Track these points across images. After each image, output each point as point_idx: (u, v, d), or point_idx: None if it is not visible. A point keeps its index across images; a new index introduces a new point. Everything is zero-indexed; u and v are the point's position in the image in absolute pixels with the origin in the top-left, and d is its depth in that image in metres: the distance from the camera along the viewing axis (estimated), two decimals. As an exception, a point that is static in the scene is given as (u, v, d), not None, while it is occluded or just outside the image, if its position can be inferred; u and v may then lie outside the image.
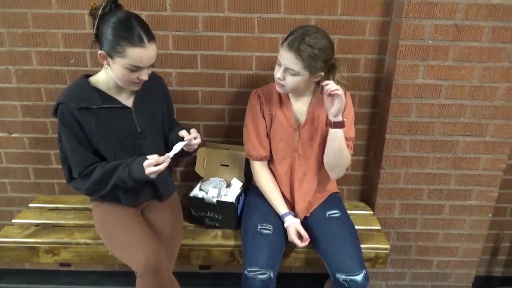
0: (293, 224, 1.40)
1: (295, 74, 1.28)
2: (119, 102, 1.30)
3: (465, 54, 1.50)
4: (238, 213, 1.58)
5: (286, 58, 1.26)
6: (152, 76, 1.41)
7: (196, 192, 1.60)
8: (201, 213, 1.58)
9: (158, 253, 1.22)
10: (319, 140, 1.45)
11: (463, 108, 1.59)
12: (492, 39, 1.48)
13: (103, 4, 1.16)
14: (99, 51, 1.19)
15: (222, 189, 1.61)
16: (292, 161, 1.47)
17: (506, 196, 1.88)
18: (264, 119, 1.46)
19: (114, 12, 1.16)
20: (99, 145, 1.29)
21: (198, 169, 1.70)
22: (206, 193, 1.58)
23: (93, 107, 1.25)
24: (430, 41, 1.49)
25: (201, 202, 1.55)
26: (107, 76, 1.27)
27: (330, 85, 1.25)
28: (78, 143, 1.27)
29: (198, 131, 1.72)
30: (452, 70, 1.53)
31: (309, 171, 1.48)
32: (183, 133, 1.29)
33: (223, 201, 1.53)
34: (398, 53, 1.50)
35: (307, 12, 1.55)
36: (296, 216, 1.47)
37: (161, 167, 1.22)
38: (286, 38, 1.28)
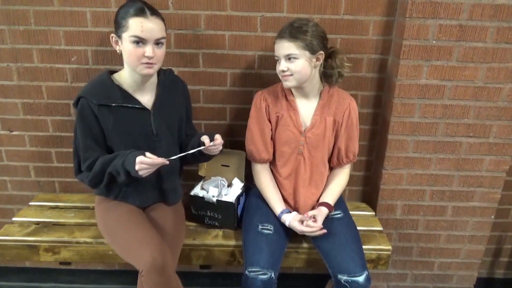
0: (293, 219, 1.39)
1: (296, 57, 1.29)
2: (139, 103, 1.31)
3: (469, 54, 1.49)
4: (238, 213, 1.58)
5: (281, 47, 1.30)
6: (177, 81, 1.44)
7: (197, 190, 1.60)
8: (201, 212, 1.58)
9: (163, 251, 1.22)
10: (325, 143, 1.44)
11: (467, 109, 1.58)
12: (497, 39, 1.47)
13: None
14: (111, 35, 1.23)
15: (223, 188, 1.61)
16: (296, 165, 1.46)
17: (509, 198, 1.87)
18: (270, 122, 1.45)
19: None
20: (113, 143, 1.31)
21: (201, 171, 1.70)
22: (207, 192, 1.57)
23: (113, 105, 1.27)
24: (434, 41, 1.47)
25: (201, 201, 1.55)
26: (129, 73, 1.29)
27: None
28: (91, 138, 1.28)
29: (199, 130, 1.74)
30: (456, 71, 1.52)
31: (314, 174, 1.47)
32: (204, 138, 1.28)
33: (223, 201, 1.52)
34: (402, 53, 1.49)
35: (310, 11, 1.54)
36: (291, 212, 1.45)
37: (154, 166, 1.18)
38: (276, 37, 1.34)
